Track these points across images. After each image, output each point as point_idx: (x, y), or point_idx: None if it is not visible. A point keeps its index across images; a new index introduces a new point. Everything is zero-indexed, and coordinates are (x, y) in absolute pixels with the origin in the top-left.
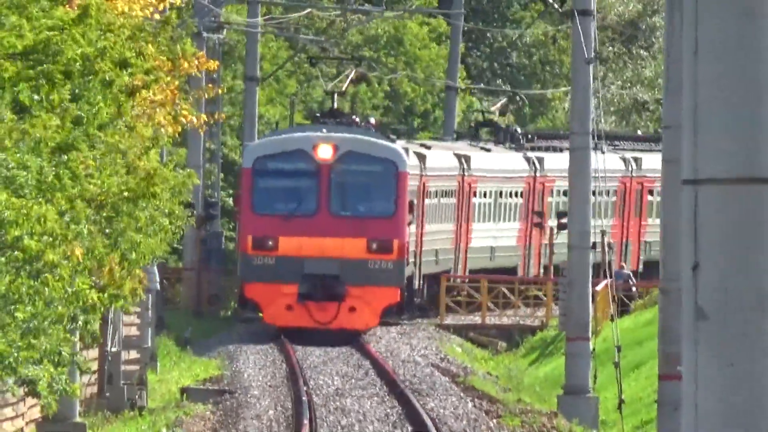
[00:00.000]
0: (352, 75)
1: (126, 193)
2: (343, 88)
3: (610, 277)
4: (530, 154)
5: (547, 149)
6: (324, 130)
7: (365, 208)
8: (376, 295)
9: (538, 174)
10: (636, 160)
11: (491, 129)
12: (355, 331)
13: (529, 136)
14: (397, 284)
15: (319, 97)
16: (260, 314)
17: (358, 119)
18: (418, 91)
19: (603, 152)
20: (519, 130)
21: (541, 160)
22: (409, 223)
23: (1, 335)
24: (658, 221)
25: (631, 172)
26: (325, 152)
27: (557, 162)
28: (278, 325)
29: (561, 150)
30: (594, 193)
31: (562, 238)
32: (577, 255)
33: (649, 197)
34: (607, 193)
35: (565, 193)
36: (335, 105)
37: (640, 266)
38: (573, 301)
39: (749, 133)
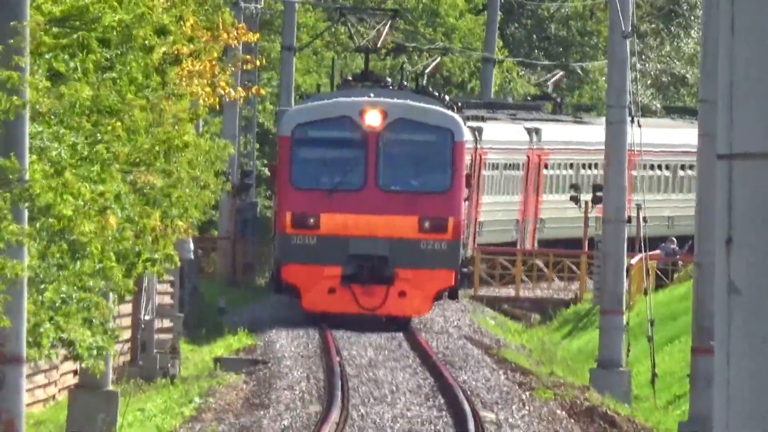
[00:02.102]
0: (386, 30)
1: (157, 147)
2: (378, 45)
3: (645, 251)
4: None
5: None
6: (371, 95)
7: (418, 182)
8: (429, 279)
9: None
10: (536, 131)
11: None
12: (404, 317)
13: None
14: (452, 266)
15: (358, 68)
16: (299, 300)
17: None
18: (456, 61)
19: (639, 126)
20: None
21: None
22: (466, 199)
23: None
24: (553, 197)
25: (532, 143)
26: (373, 119)
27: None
28: (319, 311)
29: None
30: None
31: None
32: (611, 228)
33: (546, 171)
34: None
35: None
36: (368, 65)
37: (536, 245)
38: (607, 274)
39: None
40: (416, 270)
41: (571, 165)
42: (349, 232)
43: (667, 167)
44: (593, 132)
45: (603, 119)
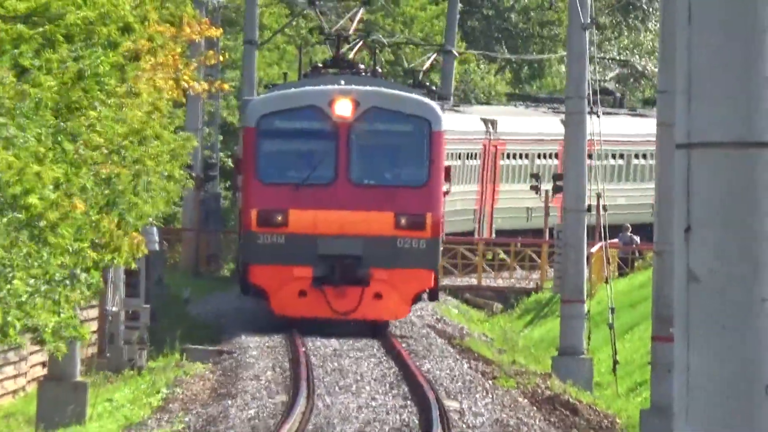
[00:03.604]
0: (359, 16)
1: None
2: (350, 31)
3: (605, 239)
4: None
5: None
6: (342, 82)
7: (393, 176)
8: (406, 280)
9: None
10: (492, 122)
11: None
12: (380, 321)
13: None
14: (430, 266)
15: (320, 61)
16: (268, 303)
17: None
18: (416, 52)
19: (599, 116)
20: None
21: None
22: (446, 193)
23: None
24: (510, 187)
25: (489, 134)
26: (343, 108)
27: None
28: (289, 316)
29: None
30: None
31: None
32: (572, 217)
33: (503, 161)
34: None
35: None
36: (338, 52)
37: (493, 235)
38: (568, 263)
39: (741, 97)
40: (392, 270)
41: (527, 155)
42: (319, 230)
43: (621, 156)
44: (551, 122)
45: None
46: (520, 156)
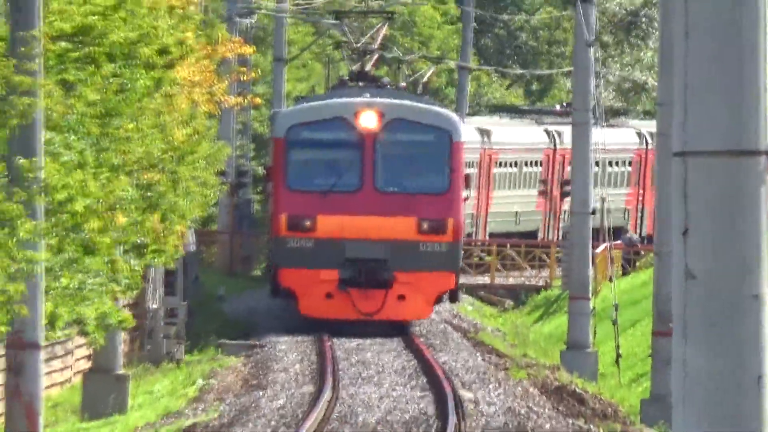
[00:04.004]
0: (383, 31)
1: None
2: (375, 45)
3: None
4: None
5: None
6: (367, 95)
7: (415, 183)
8: (429, 282)
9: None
10: (487, 132)
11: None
12: (404, 322)
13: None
14: (451, 269)
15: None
16: (296, 304)
17: (387, 82)
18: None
19: (602, 126)
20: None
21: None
22: (465, 199)
23: (50, 298)
24: (503, 192)
25: (485, 144)
26: (368, 120)
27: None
28: (316, 317)
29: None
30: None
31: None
32: (578, 220)
33: (496, 169)
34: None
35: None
36: (365, 65)
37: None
38: (574, 263)
39: (734, 109)
40: (415, 273)
41: (516, 163)
42: (345, 235)
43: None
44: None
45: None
46: (511, 164)
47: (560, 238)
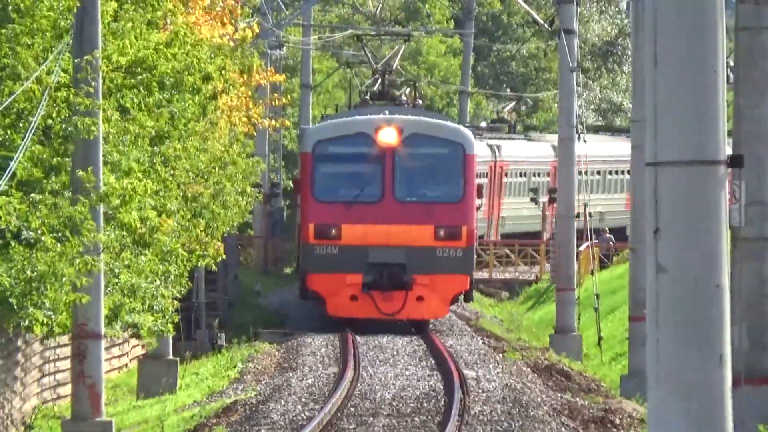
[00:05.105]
0: (401, 51)
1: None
2: (393, 66)
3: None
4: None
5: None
6: (386, 112)
7: (432, 193)
8: (445, 284)
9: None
10: (498, 147)
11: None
12: (422, 321)
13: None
14: (466, 272)
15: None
16: (324, 306)
17: (405, 99)
18: (436, 91)
19: (585, 141)
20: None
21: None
22: (478, 208)
23: (110, 294)
24: (512, 199)
25: (495, 157)
26: (388, 135)
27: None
28: (342, 317)
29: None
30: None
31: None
32: (563, 222)
33: (505, 179)
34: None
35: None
36: (385, 85)
37: (499, 236)
38: (561, 259)
39: (696, 125)
40: (433, 276)
41: (524, 173)
42: (368, 242)
43: (598, 173)
44: (540, 147)
45: (548, 137)
46: (520, 174)
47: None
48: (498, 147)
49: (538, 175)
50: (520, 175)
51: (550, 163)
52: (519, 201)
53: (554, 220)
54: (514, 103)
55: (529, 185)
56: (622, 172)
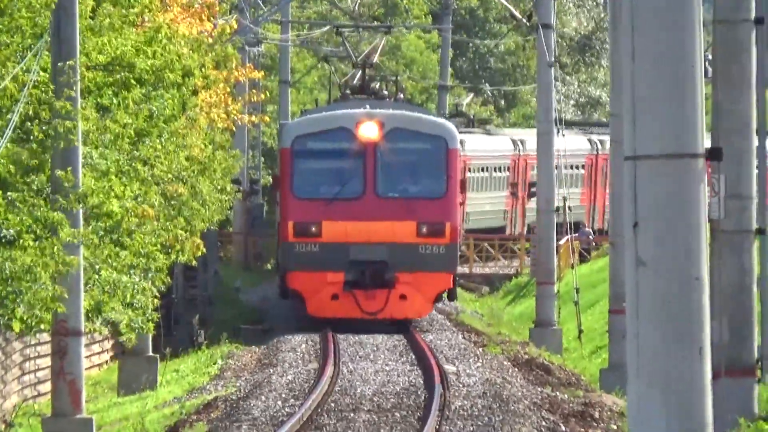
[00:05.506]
0: (382, 44)
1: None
2: (374, 60)
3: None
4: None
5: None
6: (367, 106)
7: (414, 189)
8: (428, 282)
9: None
10: (522, 141)
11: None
12: (405, 320)
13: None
14: (449, 269)
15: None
16: (304, 306)
17: (387, 93)
18: (415, 86)
19: (563, 135)
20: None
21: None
22: (461, 203)
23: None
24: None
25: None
26: (369, 130)
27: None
28: (323, 317)
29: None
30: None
31: (532, 203)
32: (543, 217)
33: (468, 174)
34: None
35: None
36: (365, 78)
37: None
38: (541, 253)
39: (675, 119)
40: (416, 273)
41: (486, 168)
42: (349, 239)
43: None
44: (500, 141)
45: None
46: (482, 169)
47: (526, 231)
48: (462, 142)
49: (499, 170)
50: (482, 170)
51: (510, 157)
52: (482, 196)
53: (528, 215)
54: (472, 95)
55: (491, 180)
56: (578, 167)
